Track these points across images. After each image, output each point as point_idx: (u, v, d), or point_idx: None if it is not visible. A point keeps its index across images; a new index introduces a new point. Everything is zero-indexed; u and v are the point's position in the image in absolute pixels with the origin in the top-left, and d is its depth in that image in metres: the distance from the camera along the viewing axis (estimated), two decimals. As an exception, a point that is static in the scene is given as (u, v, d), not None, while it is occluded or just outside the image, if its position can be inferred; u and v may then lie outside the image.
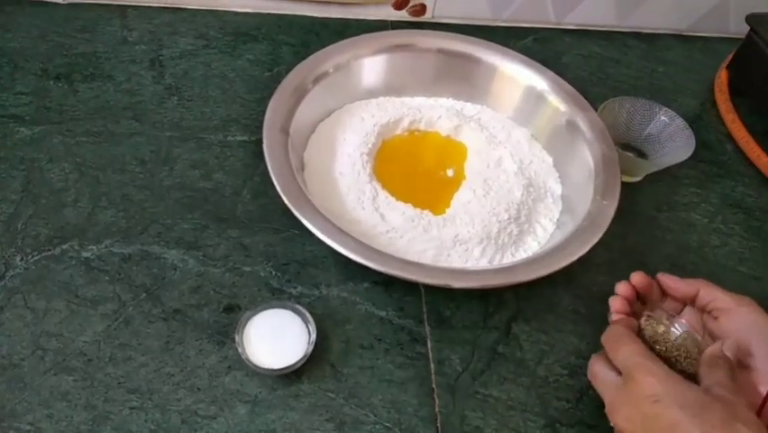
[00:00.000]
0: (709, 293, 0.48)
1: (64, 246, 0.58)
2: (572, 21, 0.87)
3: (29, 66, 0.72)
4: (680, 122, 0.68)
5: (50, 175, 0.63)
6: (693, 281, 0.49)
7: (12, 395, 0.49)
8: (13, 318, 0.53)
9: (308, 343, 0.51)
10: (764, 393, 0.42)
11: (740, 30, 0.82)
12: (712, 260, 0.65)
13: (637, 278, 0.50)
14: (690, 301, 0.50)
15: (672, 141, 0.68)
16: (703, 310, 0.49)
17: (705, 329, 0.49)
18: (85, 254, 0.57)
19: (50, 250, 0.57)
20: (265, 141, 0.58)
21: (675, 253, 0.65)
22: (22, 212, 0.60)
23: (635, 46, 0.87)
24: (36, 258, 0.57)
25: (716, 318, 0.47)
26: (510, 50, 0.71)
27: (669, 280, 0.50)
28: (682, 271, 0.63)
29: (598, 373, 0.44)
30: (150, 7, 0.80)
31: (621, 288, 0.50)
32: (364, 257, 0.51)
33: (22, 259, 0.56)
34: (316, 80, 0.65)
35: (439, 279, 0.51)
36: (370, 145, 0.62)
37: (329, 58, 0.66)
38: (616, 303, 0.50)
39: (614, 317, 0.50)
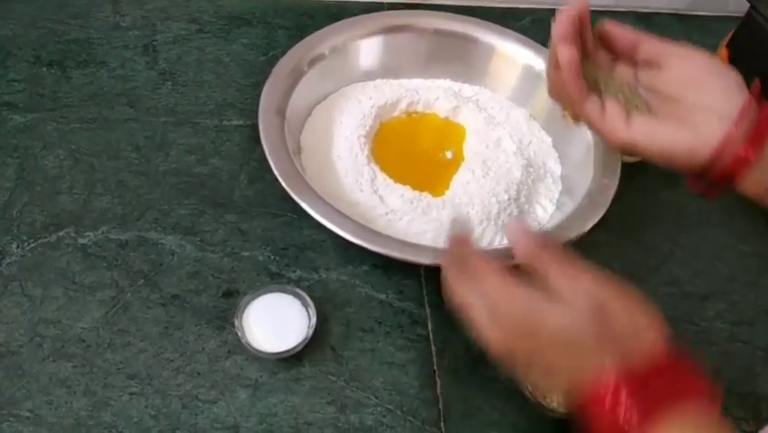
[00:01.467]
0: (656, 43, 0.44)
1: (60, 233, 0.57)
2: (570, 1, 0.86)
3: (21, 53, 0.71)
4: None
5: (45, 162, 0.62)
6: (637, 32, 0.45)
7: (10, 382, 0.49)
8: (10, 306, 0.53)
9: (308, 326, 0.51)
10: (721, 132, 0.40)
11: (739, 8, 0.81)
12: (712, 238, 0.64)
13: (583, 4, 0.44)
14: (629, 53, 0.45)
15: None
16: (645, 63, 0.44)
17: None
18: (81, 241, 0.57)
19: (46, 237, 0.57)
20: (261, 125, 0.58)
21: (675, 231, 0.64)
22: (17, 199, 0.59)
23: (633, 25, 0.86)
24: (32, 245, 0.56)
25: (660, 69, 0.43)
26: (508, 30, 0.70)
27: (615, 26, 0.45)
28: (683, 249, 0.63)
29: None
30: (142, -8, 0.79)
31: (565, 11, 0.44)
32: (363, 239, 0.50)
33: (18, 246, 0.56)
34: (312, 63, 0.64)
35: (439, 259, 0.51)
36: (367, 128, 0.62)
37: (324, 40, 0.66)
38: (560, 27, 0.44)
39: (556, 40, 0.44)
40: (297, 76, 0.63)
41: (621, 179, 0.58)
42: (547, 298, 0.35)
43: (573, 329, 0.34)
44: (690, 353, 0.35)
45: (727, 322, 0.59)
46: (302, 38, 0.67)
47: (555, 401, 0.50)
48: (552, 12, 0.85)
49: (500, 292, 0.36)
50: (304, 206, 0.52)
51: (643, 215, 0.65)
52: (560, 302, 0.35)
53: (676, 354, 0.34)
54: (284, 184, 0.54)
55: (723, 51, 0.81)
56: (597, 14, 0.85)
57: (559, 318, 0.34)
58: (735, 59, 0.79)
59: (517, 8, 0.85)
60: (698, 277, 0.61)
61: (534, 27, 0.83)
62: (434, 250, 0.52)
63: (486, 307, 0.36)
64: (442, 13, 0.71)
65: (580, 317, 0.34)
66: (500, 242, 0.57)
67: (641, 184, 0.68)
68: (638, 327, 0.34)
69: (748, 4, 0.76)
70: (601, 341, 0.33)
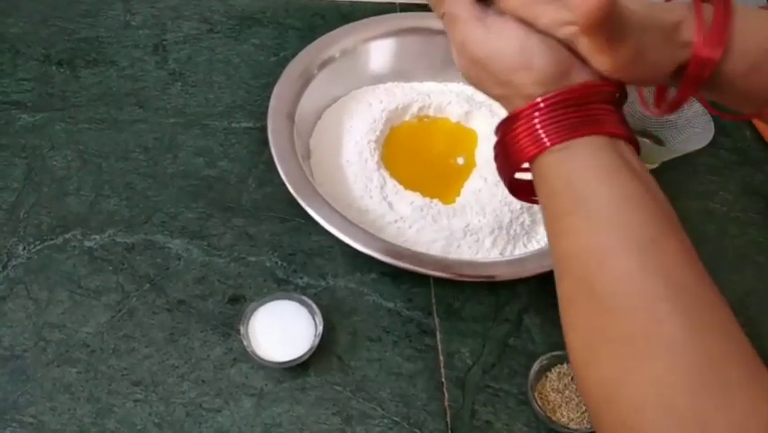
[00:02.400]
0: None
1: (67, 235, 0.57)
2: None
3: (31, 51, 0.71)
4: (698, 107, 0.65)
5: (53, 163, 0.62)
6: None
7: (14, 387, 0.48)
8: (15, 309, 0.52)
9: (315, 335, 0.50)
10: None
11: None
12: (730, 250, 0.63)
13: None
14: None
15: (690, 127, 0.66)
16: None
17: None
18: (88, 244, 0.56)
19: (52, 239, 0.56)
20: (270, 128, 0.57)
21: (692, 242, 0.63)
22: (25, 200, 0.59)
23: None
24: (38, 247, 0.56)
25: None
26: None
27: None
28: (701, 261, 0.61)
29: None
30: (153, -10, 0.78)
31: None
32: (372, 248, 0.50)
33: (24, 248, 0.56)
34: (322, 65, 0.63)
35: (449, 271, 0.50)
36: (377, 132, 0.61)
37: (335, 42, 0.65)
38: None
39: None
40: (306, 79, 0.62)
41: (637, 189, 0.57)
42: (485, 30, 0.34)
43: (500, 60, 0.34)
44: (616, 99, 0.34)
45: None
46: (313, 38, 0.66)
47: (566, 417, 0.49)
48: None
49: (458, 31, 0.36)
50: (311, 213, 0.51)
51: (658, 224, 0.64)
52: (494, 35, 0.34)
53: (600, 93, 0.33)
54: (291, 189, 0.53)
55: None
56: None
57: (487, 48, 0.34)
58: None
59: None
60: (714, 289, 0.60)
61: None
62: (443, 261, 0.51)
63: (453, 43, 0.37)
64: (455, 16, 0.69)
65: (506, 48, 0.34)
66: (512, 252, 0.56)
67: (657, 193, 0.66)
68: (567, 64, 0.33)
69: (771, 9, 0.74)
70: (526, 75, 0.33)
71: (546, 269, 0.51)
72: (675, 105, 0.37)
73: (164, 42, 0.73)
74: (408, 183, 0.58)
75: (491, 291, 0.56)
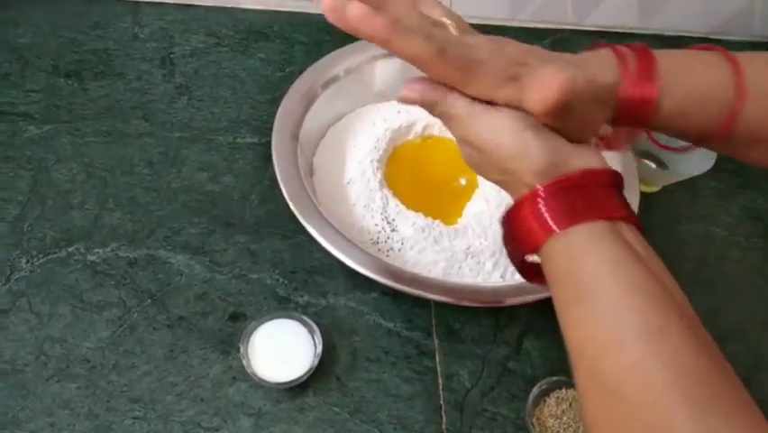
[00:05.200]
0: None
1: (70, 249, 0.57)
2: (593, 22, 0.84)
3: (39, 63, 0.71)
4: (702, 131, 0.65)
5: (58, 175, 0.62)
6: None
7: (14, 402, 0.49)
8: (17, 323, 0.53)
9: (314, 355, 0.50)
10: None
11: (765, 33, 0.79)
12: (732, 274, 0.63)
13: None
14: None
15: (692, 150, 0.66)
16: None
17: None
18: (90, 258, 0.57)
19: (55, 253, 0.57)
20: (274, 146, 0.57)
21: (693, 266, 0.63)
22: (29, 213, 0.59)
23: (656, 49, 0.84)
24: (42, 261, 0.56)
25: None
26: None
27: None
28: (701, 286, 0.61)
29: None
30: (163, 3, 0.79)
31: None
32: (372, 270, 0.50)
33: (27, 261, 0.56)
34: (327, 84, 0.63)
35: (450, 295, 0.50)
36: (381, 152, 0.61)
37: (340, 60, 0.65)
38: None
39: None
40: (311, 97, 0.62)
41: (638, 212, 0.57)
42: (482, 125, 0.36)
43: (499, 150, 0.35)
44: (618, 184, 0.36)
45: (744, 365, 0.57)
46: (319, 53, 0.66)
47: None
48: (573, 32, 0.84)
49: (457, 127, 0.38)
50: (313, 232, 0.52)
51: (660, 249, 0.63)
52: (490, 129, 0.36)
53: (600, 178, 0.35)
54: (293, 208, 0.53)
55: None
56: (621, 36, 0.84)
57: (487, 139, 0.36)
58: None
59: (537, 28, 0.84)
60: (715, 316, 0.60)
61: (555, 47, 0.81)
62: (444, 284, 0.52)
63: (454, 136, 0.39)
64: (461, 35, 0.70)
65: (504, 138, 0.35)
66: (513, 275, 0.56)
67: (659, 217, 0.66)
68: (562, 153, 0.35)
69: (776, 33, 0.74)
70: (525, 163, 0.34)
71: (548, 294, 0.51)
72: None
73: (171, 56, 0.74)
74: (410, 203, 0.58)
75: (491, 314, 0.56)
